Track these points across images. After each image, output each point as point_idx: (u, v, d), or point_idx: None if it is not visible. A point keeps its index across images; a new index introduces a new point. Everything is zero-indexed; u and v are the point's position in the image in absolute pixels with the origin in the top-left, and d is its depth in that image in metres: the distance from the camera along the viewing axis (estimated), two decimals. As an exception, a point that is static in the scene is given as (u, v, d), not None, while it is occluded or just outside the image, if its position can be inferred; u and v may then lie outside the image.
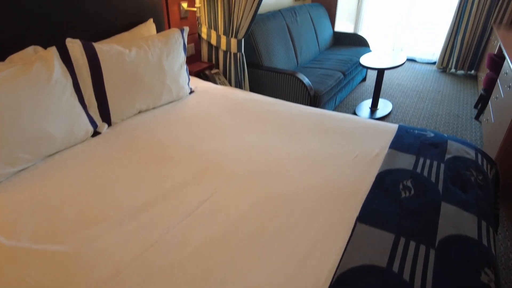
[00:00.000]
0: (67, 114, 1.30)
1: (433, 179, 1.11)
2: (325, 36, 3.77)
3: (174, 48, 1.69)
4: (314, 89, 2.49)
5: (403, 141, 1.35)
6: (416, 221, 0.94)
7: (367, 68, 2.89)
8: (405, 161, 1.21)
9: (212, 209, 1.00)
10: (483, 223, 0.95)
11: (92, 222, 0.95)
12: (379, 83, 3.05)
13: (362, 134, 1.44)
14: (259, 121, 1.56)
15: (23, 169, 1.20)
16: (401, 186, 1.07)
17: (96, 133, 1.42)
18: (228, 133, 1.45)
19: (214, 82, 2.27)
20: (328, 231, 0.91)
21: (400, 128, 1.47)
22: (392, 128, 1.49)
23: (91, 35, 1.61)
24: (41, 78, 1.22)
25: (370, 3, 4.77)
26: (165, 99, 1.68)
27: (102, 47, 1.41)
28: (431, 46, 4.66)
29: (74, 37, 1.48)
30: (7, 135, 1.11)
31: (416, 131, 1.44)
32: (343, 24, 4.43)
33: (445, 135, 1.43)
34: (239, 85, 2.43)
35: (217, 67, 2.46)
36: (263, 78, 2.59)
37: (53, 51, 1.30)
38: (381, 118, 3.07)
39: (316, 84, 2.58)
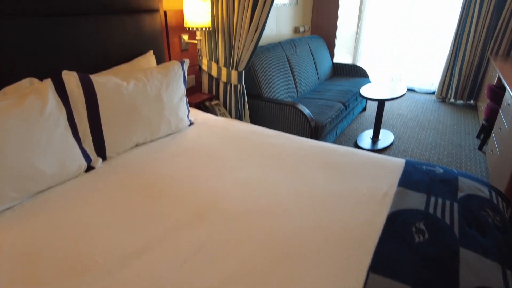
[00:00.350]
0: (60, 149, 1.24)
1: (447, 220, 1.04)
2: (325, 67, 3.81)
3: (174, 80, 1.66)
4: (315, 120, 2.45)
5: (412, 178, 1.28)
6: (434, 271, 0.85)
7: (368, 99, 2.88)
8: (416, 200, 1.14)
9: (209, 257, 0.91)
10: (508, 273, 0.87)
11: (78, 271, 0.86)
12: (380, 114, 3.03)
13: (368, 170, 1.37)
14: (260, 154, 1.51)
15: (7, 208, 1.12)
16: (414, 229, 0.99)
17: (90, 168, 1.36)
18: (228, 168, 1.39)
19: (215, 113, 2.24)
20: (338, 283, 0.82)
21: (407, 164, 1.41)
22: (398, 163, 1.43)
23: (89, 66, 1.59)
24: (33, 111, 1.18)
25: (368, 34, 4.88)
26: (163, 131, 1.63)
27: (99, 80, 1.38)
28: (429, 76, 4.72)
29: (71, 68, 1.46)
30: (-7, 173, 1.05)
31: (424, 167, 1.38)
32: (341, 55, 4.50)
33: (455, 170, 1.37)
34: (239, 116, 2.40)
35: (218, 98, 2.44)
36: (263, 109, 2.56)
37: (48, 83, 1.26)
38: (383, 149, 3.02)
39: (316, 115, 2.55)
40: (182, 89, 1.72)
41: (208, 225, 1.04)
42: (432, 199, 1.15)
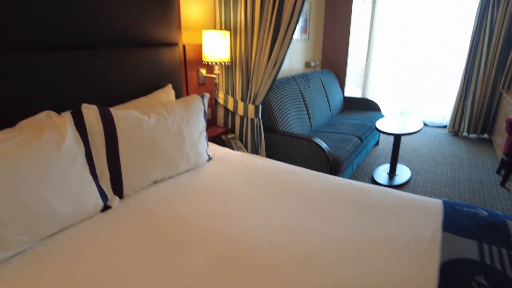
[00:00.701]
0: (76, 187, 1.16)
1: (510, 274, 0.92)
2: (336, 101, 3.80)
3: (195, 114, 1.61)
4: (333, 155, 2.37)
5: (456, 221, 1.18)
6: None
7: (384, 133, 2.82)
8: (467, 248, 1.03)
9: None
10: None
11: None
12: (396, 149, 2.96)
13: (403, 212, 1.27)
14: (285, 194, 1.41)
15: (16, 254, 1.01)
16: (474, 284, 0.88)
17: (106, 207, 1.26)
18: (254, 209, 1.29)
19: (231, 147, 2.17)
20: None
21: (446, 205, 1.31)
22: (435, 204, 1.33)
23: (106, 99, 1.55)
24: (50, 146, 1.11)
25: (377, 67, 4.93)
26: (183, 167, 1.55)
27: (119, 114, 1.33)
28: (440, 109, 4.70)
29: (88, 101, 1.42)
30: (2, 214, 0.96)
31: (465, 209, 1.27)
32: (351, 88, 4.51)
33: (500, 213, 1.26)
34: (255, 149, 2.33)
35: (233, 132, 2.39)
36: (279, 143, 2.50)
37: (67, 117, 1.21)
38: (401, 185, 2.91)
39: (334, 150, 2.48)
40: (202, 124, 1.67)
41: (240, 276, 0.92)
42: (485, 246, 1.03)
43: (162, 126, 1.45)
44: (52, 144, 1.11)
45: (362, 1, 4.10)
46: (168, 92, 1.81)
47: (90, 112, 1.26)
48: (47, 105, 1.33)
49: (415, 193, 2.73)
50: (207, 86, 2.29)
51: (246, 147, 2.33)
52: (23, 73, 1.25)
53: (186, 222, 1.18)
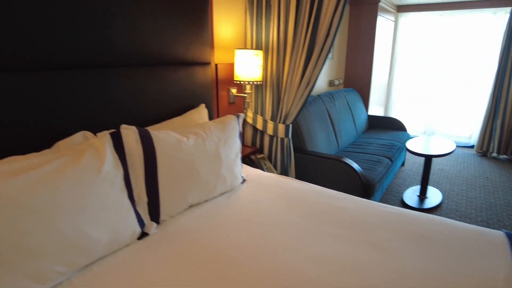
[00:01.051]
0: (113, 213, 1.09)
1: None
2: (361, 119, 3.71)
3: (231, 135, 1.55)
4: (366, 176, 2.27)
5: (528, 258, 1.06)
6: None
7: (416, 154, 2.71)
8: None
9: None
10: None
11: None
12: (427, 171, 2.84)
13: (464, 245, 1.16)
14: (328, 221, 1.32)
15: (54, 286, 0.95)
16: None
17: (143, 234, 1.19)
18: (297, 238, 1.20)
19: (261, 167, 2.10)
20: None
21: (510, 237, 1.19)
22: (496, 235, 1.22)
23: (141, 119, 1.52)
24: (90, 170, 1.06)
25: (400, 85, 4.84)
26: (219, 190, 1.48)
27: (158, 135, 1.28)
28: (466, 128, 4.55)
29: (123, 121, 1.38)
30: (40, 245, 0.90)
31: (533, 243, 1.16)
32: (373, 107, 4.43)
33: None
34: (285, 170, 2.25)
35: (261, 152, 2.32)
36: (307, 163, 2.41)
37: (105, 138, 1.16)
38: (433, 208, 2.77)
39: (365, 171, 2.38)
40: (238, 145, 1.61)
41: (299, 320, 0.83)
42: None
43: (200, 147, 1.39)
44: (91, 167, 1.06)
45: (385, 20, 4.08)
46: (201, 111, 1.76)
47: (130, 133, 1.21)
48: (82, 125, 1.30)
49: (449, 217, 2.58)
50: (237, 105, 2.25)
51: (275, 167, 2.26)
52: (59, 92, 1.22)
53: (229, 255, 1.10)
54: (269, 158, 2.28)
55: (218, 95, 2.04)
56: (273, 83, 2.13)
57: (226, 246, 1.14)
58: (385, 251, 1.13)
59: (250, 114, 2.29)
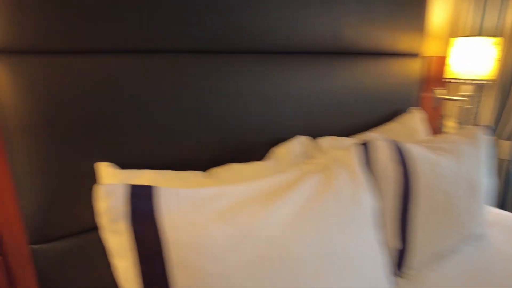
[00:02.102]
0: (369, 263, 0.76)
1: None
2: None
3: (481, 154, 1.09)
4: None
5: None
6: None
7: None
8: None
9: None
10: None
11: None
12: None
13: None
14: None
15: None
16: None
17: (389, 294, 0.84)
18: None
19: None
20: None
21: None
22: None
23: (340, 125, 1.19)
24: (344, 199, 0.75)
25: None
26: (469, 234, 1.03)
27: (415, 152, 0.90)
28: None
29: (324, 128, 1.07)
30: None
31: None
32: None
33: None
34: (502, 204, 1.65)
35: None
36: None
37: (355, 152, 0.84)
38: None
39: None
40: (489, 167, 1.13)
41: None
42: None
43: (454, 172, 0.96)
44: (345, 194, 0.75)
45: None
46: (416, 118, 1.34)
47: (382, 149, 0.87)
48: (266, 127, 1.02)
49: None
50: (438, 111, 1.75)
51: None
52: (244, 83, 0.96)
53: None
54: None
55: (421, 97, 1.59)
56: (502, 84, 1.56)
57: None
58: None
59: (451, 124, 1.76)
